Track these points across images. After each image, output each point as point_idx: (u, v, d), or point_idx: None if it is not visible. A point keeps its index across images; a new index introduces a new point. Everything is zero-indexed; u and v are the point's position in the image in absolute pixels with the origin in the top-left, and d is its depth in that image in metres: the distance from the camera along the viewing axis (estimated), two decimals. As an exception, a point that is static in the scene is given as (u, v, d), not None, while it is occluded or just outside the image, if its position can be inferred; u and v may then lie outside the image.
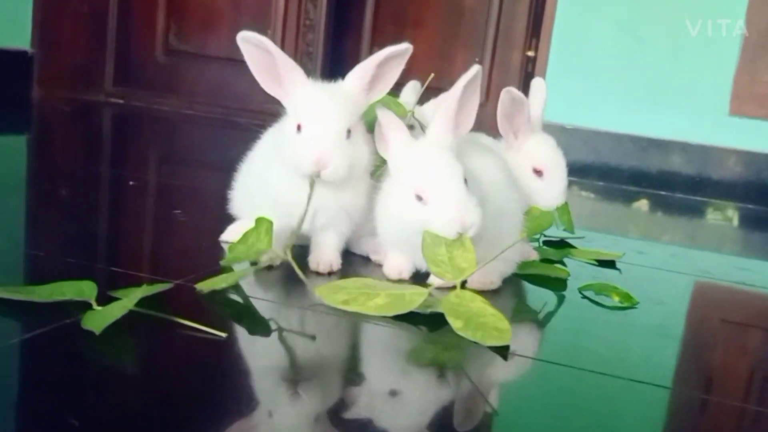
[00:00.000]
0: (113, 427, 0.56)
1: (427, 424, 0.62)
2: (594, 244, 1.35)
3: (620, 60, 2.46)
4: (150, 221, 1.28)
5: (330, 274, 0.98)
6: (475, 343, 0.79)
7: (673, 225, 2.11)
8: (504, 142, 1.22)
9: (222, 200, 1.14)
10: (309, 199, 0.93)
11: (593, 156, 2.47)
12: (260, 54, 0.95)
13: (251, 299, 0.87)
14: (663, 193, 2.43)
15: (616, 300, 1.03)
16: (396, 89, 1.07)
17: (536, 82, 1.29)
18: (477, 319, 0.81)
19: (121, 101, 3.04)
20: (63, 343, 0.69)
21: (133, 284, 0.80)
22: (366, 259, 1.07)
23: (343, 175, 0.93)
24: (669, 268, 1.35)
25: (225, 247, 1.05)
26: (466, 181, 0.91)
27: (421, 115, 1.12)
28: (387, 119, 0.96)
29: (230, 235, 1.08)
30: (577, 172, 2.43)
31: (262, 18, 2.92)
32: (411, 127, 1.04)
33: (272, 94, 0.98)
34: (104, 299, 0.74)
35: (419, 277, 0.99)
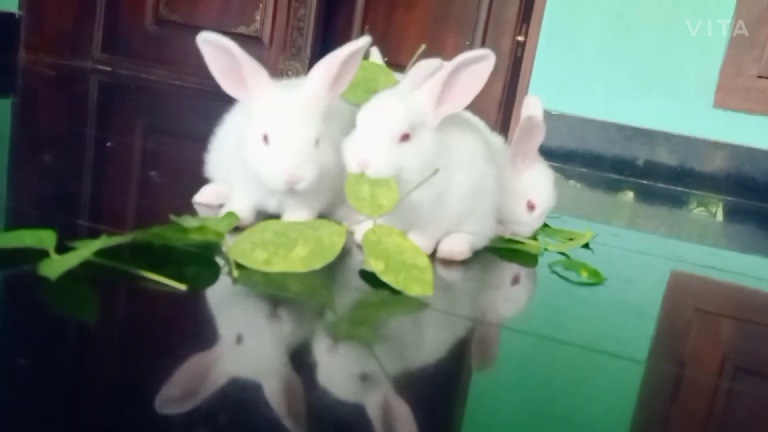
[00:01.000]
0: (62, 369, 0.56)
1: (400, 389, 0.62)
2: (569, 226, 1.36)
3: (608, 48, 2.46)
4: (124, 181, 1.27)
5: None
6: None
7: (653, 213, 2.12)
8: (510, 162, 1.17)
9: (200, 166, 1.14)
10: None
11: (577, 143, 2.48)
12: (222, 56, 0.92)
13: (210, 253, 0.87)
14: (645, 182, 2.44)
15: (584, 276, 1.03)
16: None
17: (533, 100, 1.21)
18: (396, 257, 0.81)
19: (108, 69, 3.02)
20: (19, 288, 0.69)
21: (96, 237, 0.79)
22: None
23: (315, 186, 0.92)
24: (641, 251, 1.35)
25: (196, 208, 1.05)
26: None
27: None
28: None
29: (203, 196, 1.08)
30: (561, 158, 2.44)
31: (254, -9, 2.90)
32: None
33: (236, 96, 0.95)
34: (64, 249, 0.74)
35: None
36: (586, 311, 0.92)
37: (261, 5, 2.90)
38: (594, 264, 1.06)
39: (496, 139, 1.23)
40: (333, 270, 0.86)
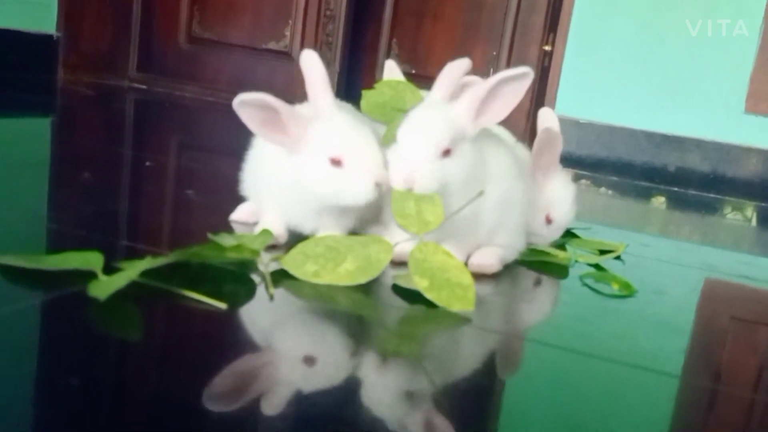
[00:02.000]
0: (112, 388, 0.58)
1: (434, 403, 0.63)
2: (600, 236, 1.36)
3: (636, 56, 2.45)
4: (162, 200, 1.31)
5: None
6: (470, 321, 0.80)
7: (685, 220, 2.10)
8: (531, 174, 1.17)
9: (236, 183, 1.17)
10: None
11: (607, 151, 2.47)
12: (261, 112, 0.94)
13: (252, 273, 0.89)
14: (676, 189, 2.43)
15: (615, 288, 1.04)
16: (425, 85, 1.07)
17: (547, 112, 1.22)
18: (441, 275, 0.83)
19: (143, 87, 3.09)
20: (69, 310, 0.72)
21: (138, 257, 0.82)
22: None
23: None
24: (674, 261, 1.35)
25: (233, 226, 1.08)
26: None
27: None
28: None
29: (239, 214, 1.11)
30: (591, 166, 2.43)
31: (284, 7, 2.95)
32: None
33: (278, 143, 0.96)
34: (110, 270, 0.77)
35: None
36: (618, 324, 0.93)
37: (290, 21, 2.95)
38: (625, 275, 1.07)
39: (522, 150, 1.24)
40: (368, 286, 0.88)
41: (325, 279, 0.85)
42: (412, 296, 0.85)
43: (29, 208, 1.09)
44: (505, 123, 1.20)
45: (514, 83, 0.95)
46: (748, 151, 2.38)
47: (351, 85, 2.90)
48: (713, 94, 2.39)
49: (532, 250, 1.14)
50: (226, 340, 0.71)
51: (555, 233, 1.18)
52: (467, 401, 0.65)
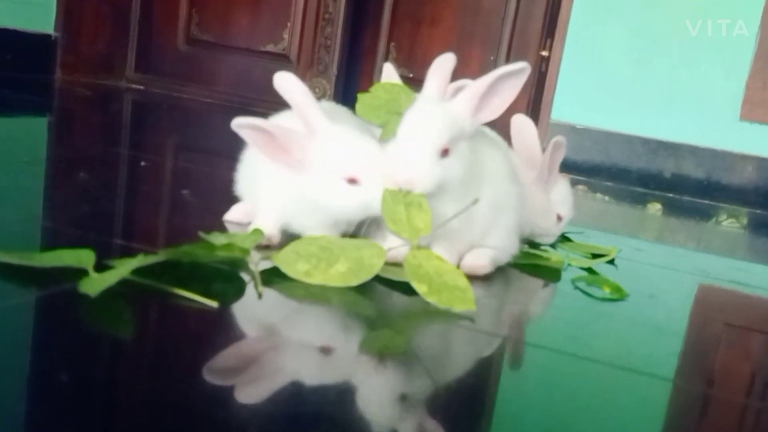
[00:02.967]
0: (102, 384, 0.59)
1: (427, 405, 0.63)
2: (594, 241, 1.36)
3: (632, 62, 2.46)
4: (157, 200, 1.31)
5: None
6: (467, 323, 0.81)
7: (679, 227, 2.11)
8: (538, 179, 1.24)
9: (231, 184, 1.17)
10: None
11: (603, 156, 2.48)
12: (260, 134, 0.95)
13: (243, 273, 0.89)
14: (671, 195, 2.43)
15: (606, 291, 1.04)
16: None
17: (521, 119, 1.28)
18: (438, 279, 0.83)
19: (141, 88, 3.09)
20: (61, 305, 0.72)
21: (131, 255, 0.82)
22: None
23: None
24: (667, 266, 1.36)
25: (227, 225, 1.08)
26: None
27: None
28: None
29: (233, 214, 1.12)
30: (586, 172, 2.44)
31: (282, 10, 2.96)
32: None
33: (282, 163, 0.96)
34: (102, 268, 0.77)
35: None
36: (610, 327, 0.93)
37: (289, 24, 2.96)
38: (618, 279, 1.07)
39: (514, 155, 1.25)
40: (360, 284, 0.88)
41: (317, 279, 0.85)
42: (402, 290, 0.86)
43: (24, 207, 1.09)
44: (500, 126, 1.21)
45: (512, 79, 0.95)
46: (743, 158, 2.39)
47: (348, 88, 2.90)
48: (709, 100, 2.40)
49: (525, 253, 1.15)
50: (216, 337, 0.72)
51: (562, 229, 1.28)
52: (459, 402, 0.65)
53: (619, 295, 1.04)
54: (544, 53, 2.74)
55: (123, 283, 0.75)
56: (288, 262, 0.86)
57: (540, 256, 1.16)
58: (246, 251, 0.87)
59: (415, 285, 0.84)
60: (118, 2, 3.06)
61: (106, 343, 0.68)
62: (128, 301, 0.75)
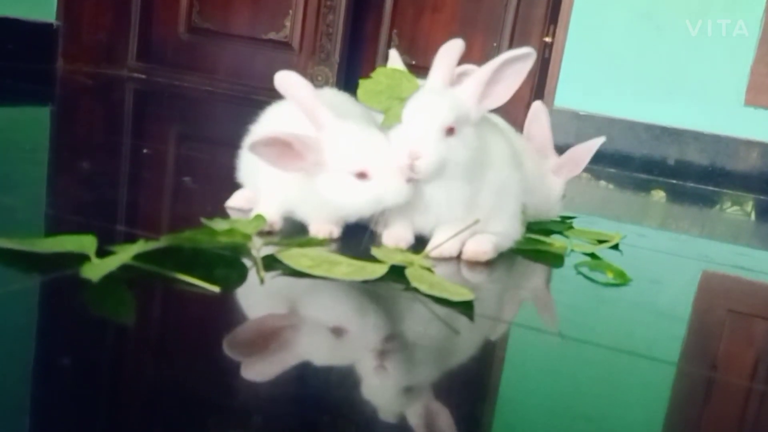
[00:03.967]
0: (104, 367, 0.59)
1: (431, 390, 0.63)
2: (597, 227, 1.36)
3: (636, 48, 2.45)
4: (159, 187, 1.31)
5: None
6: (470, 319, 0.81)
7: (683, 213, 2.10)
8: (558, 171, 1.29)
9: (233, 171, 1.17)
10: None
11: (606, 143, 2.45)
12: (274, 148, 0.93)
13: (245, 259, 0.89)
14: (675, 182, 2.43)
15: (609, 277, 1.04)
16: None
17: (538, 107, 1.30)
18: (439, 285, 0.84)
19: (143, 76, 3.09)
20: (63, 290, 0.72)
21: (133, 241, 0.82)
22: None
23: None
24: (671, 252, 1.35)
25: (229, 212, 1.08)
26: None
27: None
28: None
29: (235, 201, 1.12)
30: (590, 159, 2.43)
31: (284, -2, 2.94)
32: None
33: (298, 171, 0.95)
34: (103, 254, 0.77)
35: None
36: (613, 312, 0.93)
37: (291, 11, 2.94)
38: (622, 265, 1.07)
39: (521, 140, 1.24)
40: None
41: (320, 272, 0.85)
42: (402, 277, 0.86)
43: (27, 194, 1.09)
44: (504, 113, 1.20)
45: (517, 64, 0.95)
46: (747, 144, 2.38)
47: (351, 75, 2.89)
48: (713, 86, 2.39)
49: (528, 239, 1.14)
50: (217, 322, 0.72)
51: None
52: (463, 387, 0.65)
53: (622, 280, 1.03)
54: (548, 39, 2.73)
55: (125, 269, 0.75)
56: (291, 257, 0.87)
57: (543, 242, 1.15)
58: (248, 237, 0.87)
59: (416, 284, 0.85)
60: (119, -9, 3.06)
61: (108, 327, 0.68)
62: (130, 285, 0.75)
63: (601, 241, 1.24)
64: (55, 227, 0.95)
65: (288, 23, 2.99)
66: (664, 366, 0.76)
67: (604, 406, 0.65)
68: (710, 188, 2.40)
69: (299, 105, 0.96)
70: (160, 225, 1.07)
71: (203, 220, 0.90)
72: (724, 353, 0.87)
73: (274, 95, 1.15)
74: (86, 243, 0.77)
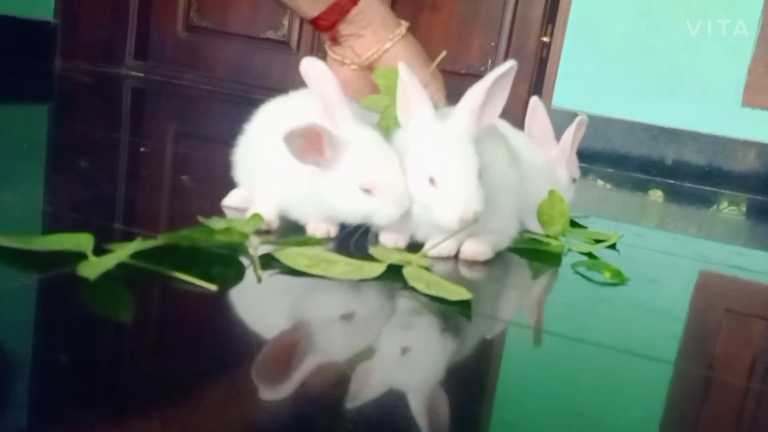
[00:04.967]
0: (101, 365, 0.59)
1: (428, 388, 0.63)
2: (595, 227, 1.36)
3: (635, 47, 2.45)
4: (157, 185, 1.31)
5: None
6: (466, 318, 0.81)
7: (680, 213, 2.11)
8: (560, 155, 1.31)
9: (230, 169, 1.17)
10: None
11: (603, 143, 2.47)
12: (304, 139, 0.92)
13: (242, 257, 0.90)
14: (672, 182, 2.43)
15: (606, 276, 1.04)
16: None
17: (536, 103, 1.33)
18: (437, 284, 0.84)
19: (141, 75, 3.08)
20: (60, 288, 0.72)
21: (130, 240, 0.82)
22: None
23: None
24: (668, 251, 1.36)
25: (225, 211, 1.08)
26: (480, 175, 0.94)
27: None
28: (414, 90, 0.96)
29: (231, 200, 1.11)
30: (588, 158, 2.43)
31: (282, -3, 2.94)
32: None
33: (312, 164, 0.95)
34: (101, 252, 0.77)
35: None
36: (610, 311, 0.93)
37: (289, 11, 2.94)
38: (619, 265, 1.07)
39: (522, 138, 1.25)
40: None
41: (318, 271, 0.85)
42: (400, 277, 0.86)
43: (25, 192, 1.09)
44: (504, 113, 1.21)
45: (504, 79, 0.97)
46: (745, 144, 2.38)
47: (349, 75, 2.89)
48: (712, 86, 2.39)
49: (525, 239, 1.14)
50: (214, 320, 0.72)
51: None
52: (460, 385, 0.65)
53: (619, 279, 1.04)
54: (546, 39, 2.73)
55: (122, 267, 0.75)
56: (288, 256, 0.87)
57: (540, 241, 1.16)
58: (245, 236, 0.87)
59: (414, 284, 0.85)
60: (117, -11, 3.05)
61: (105, 325, 0.68)
62: (127, 284, 0.75)
63: (598, 241, 1.24)
64: (52, 225, 0.95)
65: (286, 22, 2.99)
66: (661, 365, 0.76)
67: (601, 404, 0.65)
68: (707, 188, 2.40)
69: (322, 98, 0.96)
70: (158, 223, 1.07)
71: (200, 219, 0.90)
72: (721, 352, 0.87)
73: (272, 94, 1.15)
74: (83, 241, 0.77)
